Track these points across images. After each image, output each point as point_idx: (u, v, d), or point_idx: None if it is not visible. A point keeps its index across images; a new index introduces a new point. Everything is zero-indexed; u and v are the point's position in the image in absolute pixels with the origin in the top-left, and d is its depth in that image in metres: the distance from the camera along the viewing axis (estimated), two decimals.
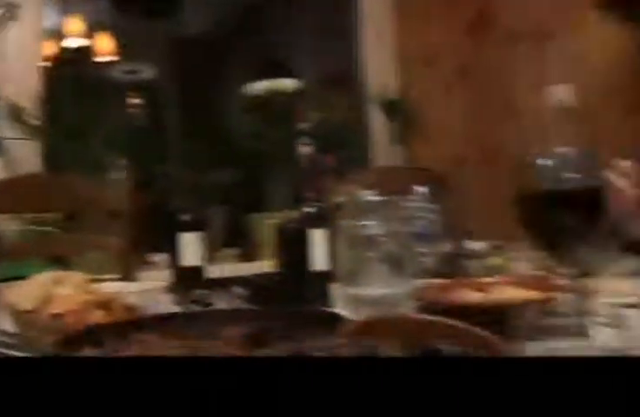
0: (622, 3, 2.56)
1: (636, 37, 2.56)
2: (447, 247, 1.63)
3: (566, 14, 2.89)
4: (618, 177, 1.31)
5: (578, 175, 0.71)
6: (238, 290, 1.23)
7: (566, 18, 2.90)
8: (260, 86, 3.63)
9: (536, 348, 0.59)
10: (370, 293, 1.10)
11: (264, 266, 2.05)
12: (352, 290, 1.14)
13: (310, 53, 3.83)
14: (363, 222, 1.17)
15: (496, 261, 1.43)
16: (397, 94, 3.41)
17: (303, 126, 1.36)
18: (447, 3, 3.43)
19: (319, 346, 0.54)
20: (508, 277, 1.05)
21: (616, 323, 0.60)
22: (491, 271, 1.36)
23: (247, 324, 0.81)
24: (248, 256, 3.10)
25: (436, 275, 1.32)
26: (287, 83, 3.63)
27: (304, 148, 1.33)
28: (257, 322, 0.79)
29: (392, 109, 3.29)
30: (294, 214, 1.37)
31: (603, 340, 0.60)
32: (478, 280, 1.02)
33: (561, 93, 2.88)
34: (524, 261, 1.39)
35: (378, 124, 3.44)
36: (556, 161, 0.72)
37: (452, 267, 1.45)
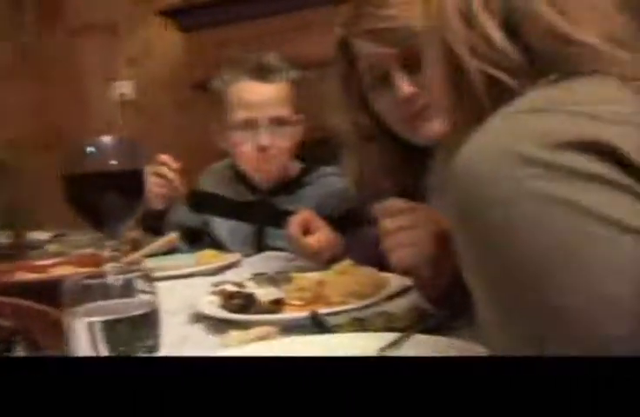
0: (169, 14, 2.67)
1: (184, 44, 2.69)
2: (7, 236, 1.63)
3: (131, 15, 3.01)
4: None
5: (120, 161, 0.81)
6: None
7: (131, 19, 3.03)
8: None
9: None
10: None
11: None
12: None
13: None
14: None
15: (54, 247, 1.49)
16: None
17: None
18: None
19: None
20: (63, 258, 1.11)
21: (152, 291, 0.71)
22: (52, 257, 1.41)
23: None
24: None
25: None
26: None
27: None
28: None
29: None
30: None
31: (142, 299, 0.72)
32: (35, 263, 1.07)
33: (123, 87, 3.02)
34: (86, 244, 1.47)
35: None
36: (100, 147, 0.81)
37: (13, 256, 1.46)
